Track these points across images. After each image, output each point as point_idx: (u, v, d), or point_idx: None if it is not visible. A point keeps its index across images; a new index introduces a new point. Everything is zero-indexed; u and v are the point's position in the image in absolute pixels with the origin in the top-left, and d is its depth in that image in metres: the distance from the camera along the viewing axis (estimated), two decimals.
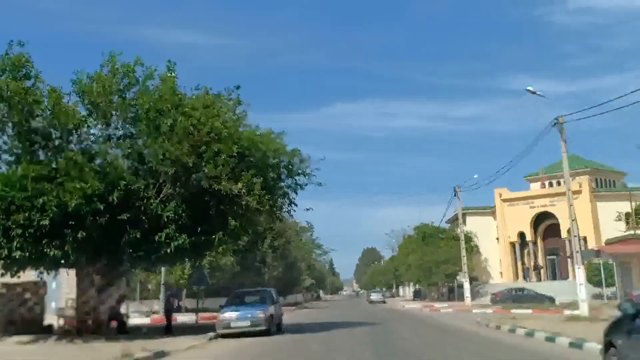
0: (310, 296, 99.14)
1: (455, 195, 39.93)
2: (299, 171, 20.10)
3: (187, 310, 36.13)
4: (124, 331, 19.83)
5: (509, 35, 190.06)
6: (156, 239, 17.15)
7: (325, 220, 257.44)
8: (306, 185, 20.46)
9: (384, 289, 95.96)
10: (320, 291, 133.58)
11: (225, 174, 16.87)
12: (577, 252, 23.92)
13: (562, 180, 60.15)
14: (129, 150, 18.18)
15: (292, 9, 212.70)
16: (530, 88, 23.85)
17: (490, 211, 64.30)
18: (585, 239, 53.02)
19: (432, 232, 60.51)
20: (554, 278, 56.73)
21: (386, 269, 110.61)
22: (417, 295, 76.02)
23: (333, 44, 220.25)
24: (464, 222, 68.30)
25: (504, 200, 58.68)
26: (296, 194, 20.58)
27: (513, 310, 30.24)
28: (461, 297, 55.17)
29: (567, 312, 26.63)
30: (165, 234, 17.09)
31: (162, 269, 31.05)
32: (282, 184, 20.23)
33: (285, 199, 20.67)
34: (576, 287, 50.41)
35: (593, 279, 46.51)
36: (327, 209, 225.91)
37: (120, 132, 18.94)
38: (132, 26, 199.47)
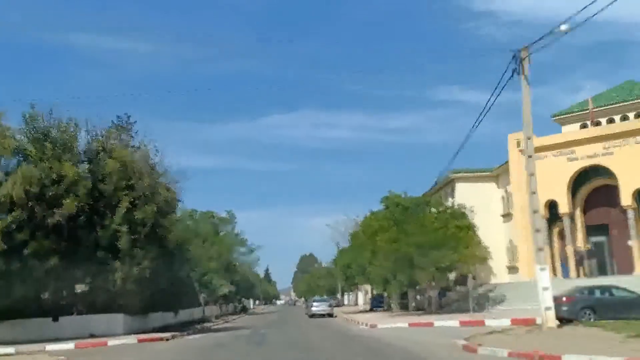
0: (232, 307, 75.40)
1: (519, 66, 17.86)
2: None
3: None
4: None
5: (440, 48, 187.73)
6: None
7: (260, 230, 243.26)
8: None
9: (326, 297, 71.92)
10: (250, 301, 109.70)
11: None
12: None
13: (617, 117, 39.68)
14: None
15: (225, 19, 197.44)
16: None
17: (492, 175, 43.12)
18: None
19: (409, 204, 38.47)
20: (602, 272, 35.74)
21: (329, 272, 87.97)
22: (378, 304, 53.58)
23: (269, 54, 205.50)
24: (452, 193, 47.06)
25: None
26: None
27: None
28: (472, 309, 33.24)
29: None
30: None
31: None
32: None
33: None
34: None
35: None
36: (261, 218, 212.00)
37: None
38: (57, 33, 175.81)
